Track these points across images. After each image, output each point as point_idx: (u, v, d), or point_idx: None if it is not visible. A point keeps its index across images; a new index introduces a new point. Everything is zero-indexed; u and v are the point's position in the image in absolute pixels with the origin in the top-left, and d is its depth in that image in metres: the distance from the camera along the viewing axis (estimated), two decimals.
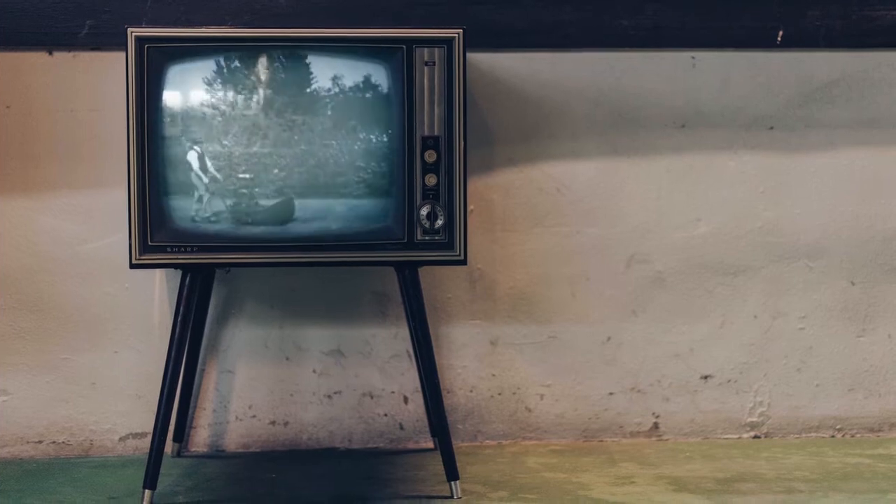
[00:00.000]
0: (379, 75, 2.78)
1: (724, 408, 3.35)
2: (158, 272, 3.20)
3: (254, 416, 3.27)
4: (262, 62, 2.76)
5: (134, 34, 2.72)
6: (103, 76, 3.14)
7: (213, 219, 2.75)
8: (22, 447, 3.21)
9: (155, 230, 2.73)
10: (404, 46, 2.77)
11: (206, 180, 2.74)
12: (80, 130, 3.16)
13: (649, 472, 3.02)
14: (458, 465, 2.83)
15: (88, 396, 3.22)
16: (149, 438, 2.83)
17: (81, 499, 2.83)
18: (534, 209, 3.28)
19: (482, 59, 3.21)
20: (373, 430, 3.29)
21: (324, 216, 2.77)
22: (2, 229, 3.18)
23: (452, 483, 2.80)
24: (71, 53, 3.15)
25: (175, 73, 2.73)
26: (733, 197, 3.32)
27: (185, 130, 2.74)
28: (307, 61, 2.76)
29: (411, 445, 3.30)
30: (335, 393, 3.28)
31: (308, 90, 2.76)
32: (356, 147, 2.77)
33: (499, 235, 3.28)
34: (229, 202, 2.75)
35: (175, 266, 2.79)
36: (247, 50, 2.75)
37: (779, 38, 3.27)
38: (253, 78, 2.76)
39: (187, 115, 2.74)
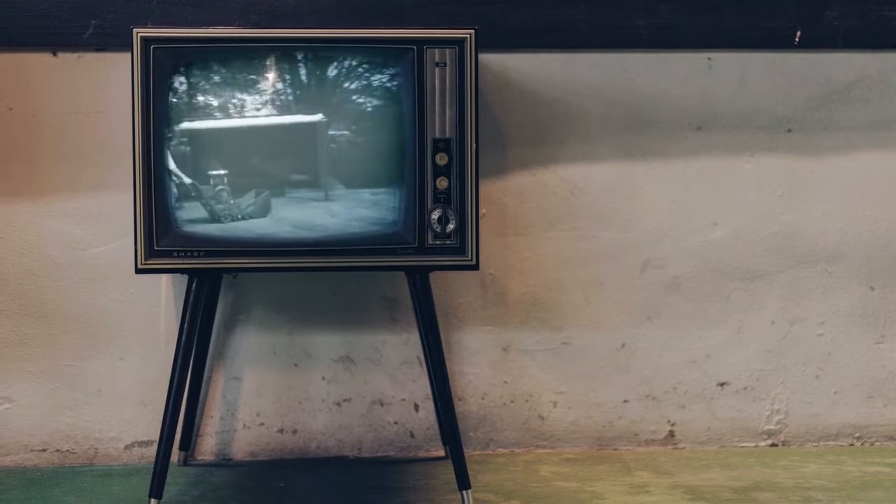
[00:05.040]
0: (389, 76, 2.75)
1: (741, 415, 3.32)
2: (165, 277, 3.17)
3: (262, 424, 3.24)
4: (270, 63, 2.73)
5: (140, 35, 2.69)
6: (108, 77, 3.11)
7: (219, 222, 2.72)
8: (25, 455, 3.18)
9: (161, 234, 2.71)
10: (415, 47, 2.74)
11: (212, 182, 2.71)
12: (85, 133, 3.13)
13: (665, 480, 2.99)
14: (469, 473, 2.80)
15: (93, 404, 3.19)
16: (155, 447, 2.81)
17: None
18: (547, 213, 3.25)
19: (494, 60, 3.18)
20: (383, 439, 3.26)
21: (331, 220, 2.73)
22: (5, 233, 3.15)
23: (464, 492, 2.77)
24: (75, 54, 3.12)
25: (181, 74, 2.70)
26: (750, 200, 3.28)
27: (191, 132, 2.71)
28: (316, 62, 2.74)
29: (422, 454, 3.26)
30: (344, 400, 3.25)
31: (316, 91, 2.73)
32: (366, 149, 2.74)
33: (511, 240, 3.25)
34: (236, 204, 2.72)
35: (181, 271, 2.77)
36: (255, 50, 2.73)
37: (796, 39, 3.24)
38: (261, 78, 2.73)
39: (193, 117, 2.71)
